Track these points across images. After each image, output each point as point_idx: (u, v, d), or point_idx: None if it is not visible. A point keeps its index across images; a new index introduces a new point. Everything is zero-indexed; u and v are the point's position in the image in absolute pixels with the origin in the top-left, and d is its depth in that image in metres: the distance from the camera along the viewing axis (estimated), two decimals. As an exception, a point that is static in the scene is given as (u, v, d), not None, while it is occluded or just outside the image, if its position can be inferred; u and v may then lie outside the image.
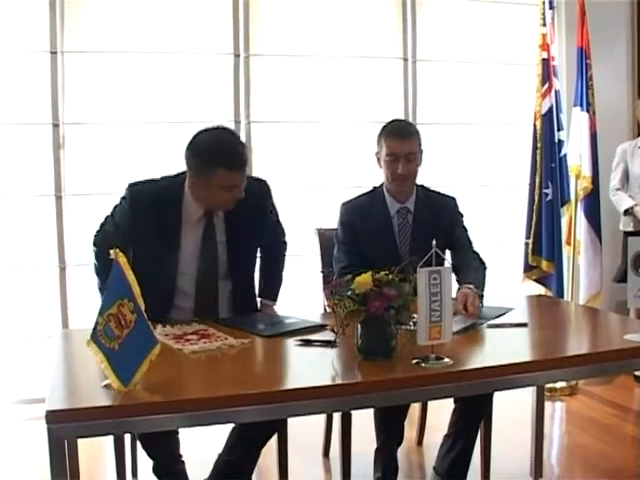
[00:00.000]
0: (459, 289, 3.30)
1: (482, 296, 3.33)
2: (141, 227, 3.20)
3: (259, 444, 3.06)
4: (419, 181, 3.67)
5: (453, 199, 3.78)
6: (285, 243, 3.67)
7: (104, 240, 3.26)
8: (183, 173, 3.23)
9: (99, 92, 4.94)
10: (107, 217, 3.35)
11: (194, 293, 3.26)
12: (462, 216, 3.77)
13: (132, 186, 3.25)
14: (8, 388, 4.81)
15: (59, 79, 4.86)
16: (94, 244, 3.35)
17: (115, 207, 3.32)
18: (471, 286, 3.27)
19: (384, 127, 3.60)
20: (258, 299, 3.54)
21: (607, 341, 2.99)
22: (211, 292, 3.29)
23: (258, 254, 3.51)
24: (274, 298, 3.60)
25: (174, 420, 2.21)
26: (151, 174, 3.35)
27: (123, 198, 3.27)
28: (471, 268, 3.49)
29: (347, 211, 3.66)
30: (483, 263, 3.61)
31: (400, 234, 3.60)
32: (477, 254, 3.66)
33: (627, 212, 5.36)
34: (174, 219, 3.22)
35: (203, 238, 3.24)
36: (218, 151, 3.07)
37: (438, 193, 3.76)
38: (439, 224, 3.52)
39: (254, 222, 3.32)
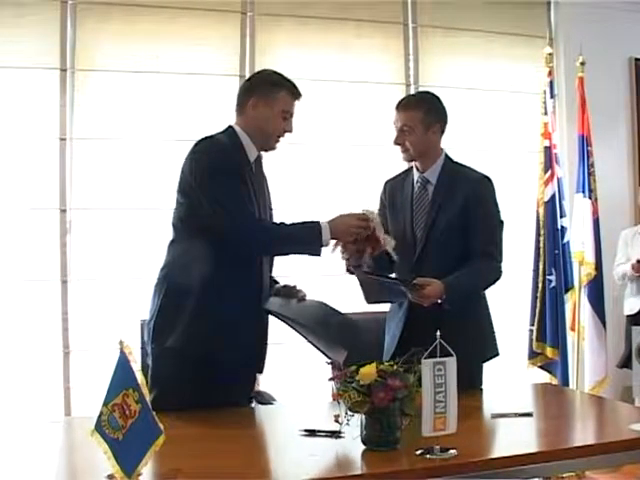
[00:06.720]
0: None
1: (443, 307, 3.16)
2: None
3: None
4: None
5: (483, 178, 3.44)
6: None
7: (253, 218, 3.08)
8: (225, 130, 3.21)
9: (107, 178, 5.03)
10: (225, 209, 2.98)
11: None
12: (493, 202, 3.46)
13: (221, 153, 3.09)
14: (9, 475, 4.74)
15: (67, 165, 4.95)
16: (256, 237, 3.06)
17: (217, 191, 2.99)
18: (445, 283, 3.16)
19: None
20: None
21: (613, 431, 2.94)
22: None
23: None
24: None
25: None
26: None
27: (221, 172, 3.03)
28: (466, 271, 3.26)
29: (384, 186, 3.61)
30: (493, 271, 3.40)
31: (416, 206, 3.42)
32: (494, 259, 3.40)
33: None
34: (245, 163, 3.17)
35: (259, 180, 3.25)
36: (284, 78, 3.26)
37: (469, 168, 3.49)
38: (456, 202, 3.34)
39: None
